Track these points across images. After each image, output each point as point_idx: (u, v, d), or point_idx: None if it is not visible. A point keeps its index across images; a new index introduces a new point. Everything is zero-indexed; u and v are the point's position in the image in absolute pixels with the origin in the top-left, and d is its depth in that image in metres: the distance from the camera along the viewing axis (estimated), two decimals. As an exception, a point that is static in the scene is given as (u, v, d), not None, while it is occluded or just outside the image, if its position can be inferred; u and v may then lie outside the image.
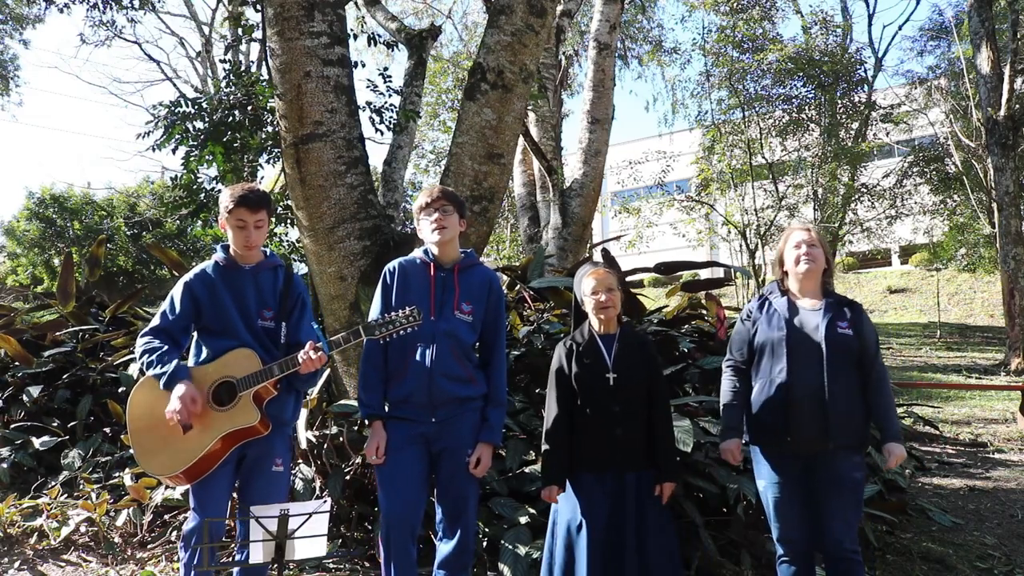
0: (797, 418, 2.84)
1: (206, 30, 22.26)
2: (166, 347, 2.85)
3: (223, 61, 12.60)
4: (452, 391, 2.87)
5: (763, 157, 16.81)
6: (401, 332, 2.77)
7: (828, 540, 2.83)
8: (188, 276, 2.94)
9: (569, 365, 2.96)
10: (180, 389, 2.73)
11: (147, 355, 2.85)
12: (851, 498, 2.84)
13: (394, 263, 3.02)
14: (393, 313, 2.80)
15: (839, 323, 2.89)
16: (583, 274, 3.04)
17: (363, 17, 9.86)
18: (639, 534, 2.82)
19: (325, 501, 2.50)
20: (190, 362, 2.94)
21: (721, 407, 3.09)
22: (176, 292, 2.93)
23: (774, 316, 2.98)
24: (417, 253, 3.04)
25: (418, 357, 2.87)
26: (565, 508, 2.90)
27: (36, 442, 5.12)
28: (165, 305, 2.95)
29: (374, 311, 2.98)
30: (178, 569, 3.46)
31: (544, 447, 2.97)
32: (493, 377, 2.99)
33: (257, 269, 2.96)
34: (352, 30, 6.02)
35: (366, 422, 2.97)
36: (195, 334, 2.99)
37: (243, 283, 2.92)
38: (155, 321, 2.93)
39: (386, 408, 2.94)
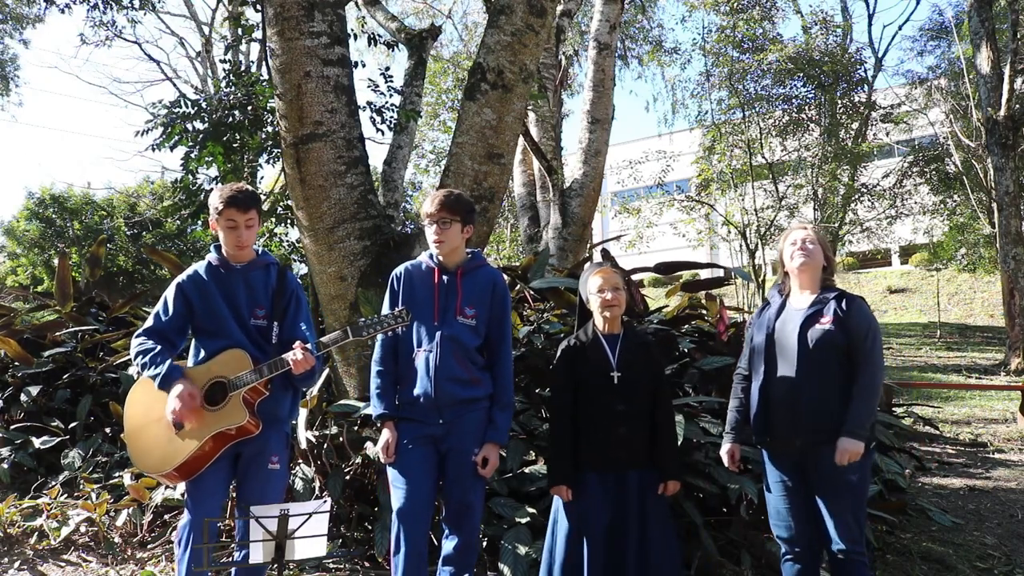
0: (774, 417, 2.86)
1: (206, 30, 22.22)
2: (159, 347, 2.87)
3: (223, 61, 12.59)
4: (456, 393, 2.88)
5: (763, 157, 16.80)
6: (389, 332, 2.81)
7: (828, 541, 2.82)
8: (181, 277, 2.96)
9: (573, 364, 2.97)
10: (178, 388, 2.76)
11: (141, 356, 2.87)
12: (848, 499, 2.79)
13: (401, 268, 3.05)
14: (381, 314, 2.83)
15: (820, 319, 2.84)
16: (590, 272, 3.05)
17: (363, 17, 9.86)
18: (641, 532, 2.83)
19: (325, 501, 2.50)
20: (189, 363, 2.95)
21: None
22: (169, 293, 2.95)
23: (764, 319, 3.00)
24: (423, 257, 3.07)
25: (422, 361, 2.90)
26: (567, 507, 2.90)
27: (36, 442, 5.11)
28: (159, 306, 2.96)
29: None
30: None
31: (550, 446, 2.98)
32: (499, 378, 3.00)
33: (248, 268, 2.97)
34: (352, 30, 6.02)
35: (376, 423, 2.99)
36: (193, 335, 3.00)
37: (234, 283, 2.94)
38: (149, 322, 2.95)
39: (397, 407, 2.97)
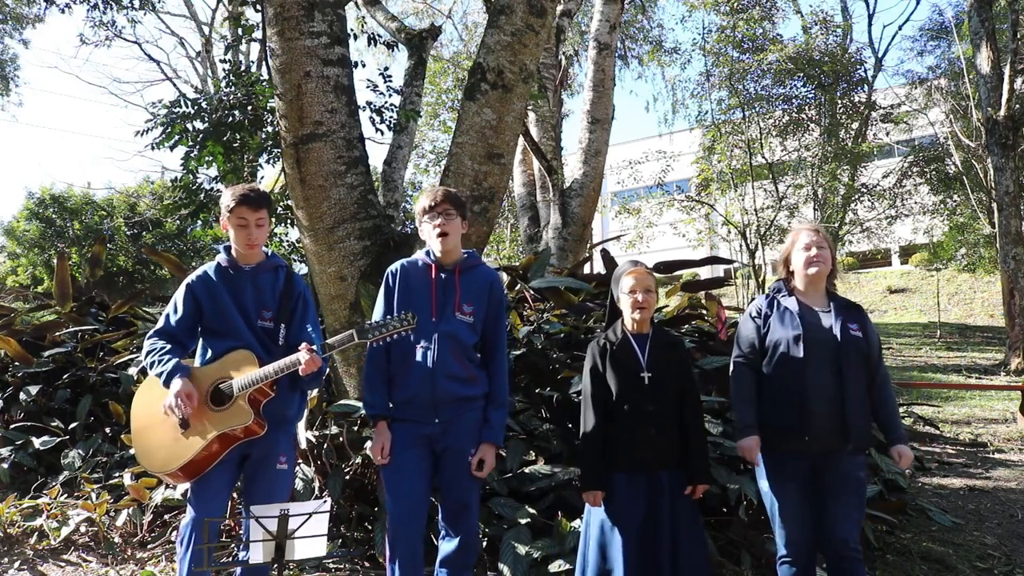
0: (814, 418, 2.83)
1: (206, 30, 22.23)
2: (167, 347, 2.90)
3: (223, 61, 12.60)
4: (454, 391, 2.87)
5: (763, 157, 16.80)
6: (395, 336, 2.78)
7: (833, 539, 2.84)
8: (190, 278, 2.98)
9: (603, 364, 2.95)
10: (176, 385, 2.78)
11: (150, 356, 2.91)
12: (856, 497, 2.88)
13: (396, 265, 3.02)
14: (388, 317, 2.82)
15: (850, 325, 2.93)
16: (623, 271, 3.02)
17: (363, 17, 9.87)
18: (673, 533, 2.83)
19: (325, 501, 2.51)
20: (196, 362, 2.96)
21: (734, 404, 3.06)
22: (178, 295, 2.97)
23: (786, 315, 2.97)
24: (419, 255, 3.04)
25: (420, 358, 2.88)
26: (598, 508, 2.89)
27: (36, 442, 5.11)
28: (169, 308, 2.99)
29: (377, 313, 2.99)
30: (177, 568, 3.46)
31: (581, 449, 2.95)
32: (494, 377, 2.99)
33: (258, 270, 2.98)
34: (352, 30, 6.02)
35: (369, 423, 2.98)
36: (201, 336, 3.01)
37: (243, 284, 2.94)
38: (159, 324, 2.98)
39: (390, 407, 2.95)
